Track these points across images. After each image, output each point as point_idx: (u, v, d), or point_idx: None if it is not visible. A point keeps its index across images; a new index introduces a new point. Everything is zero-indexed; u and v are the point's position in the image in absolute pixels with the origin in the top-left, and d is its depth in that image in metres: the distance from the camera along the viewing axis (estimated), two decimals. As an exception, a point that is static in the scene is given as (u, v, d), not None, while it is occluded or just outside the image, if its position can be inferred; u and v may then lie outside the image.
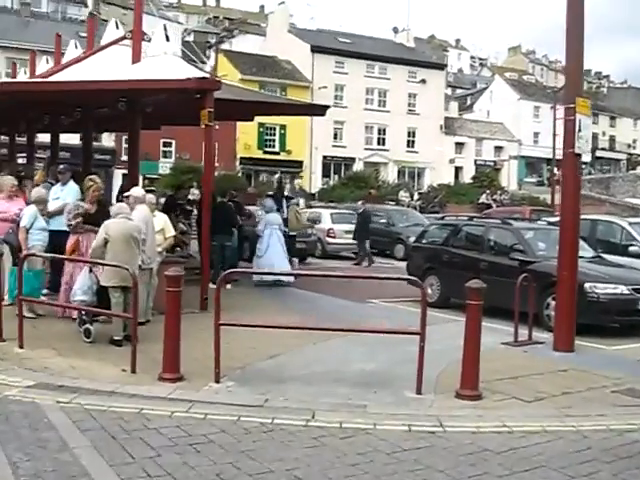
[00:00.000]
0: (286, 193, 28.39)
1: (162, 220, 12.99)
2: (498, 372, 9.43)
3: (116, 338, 10.31)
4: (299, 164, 65.02)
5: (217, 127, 14.54)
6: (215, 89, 13.65)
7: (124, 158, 57.55)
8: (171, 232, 13.08)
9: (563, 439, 7.18)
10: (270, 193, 23.48)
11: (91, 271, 10.70)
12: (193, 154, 56.23)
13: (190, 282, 13.63)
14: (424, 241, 17.31)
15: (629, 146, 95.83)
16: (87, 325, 10.60)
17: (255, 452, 6.42)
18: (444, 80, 78.35)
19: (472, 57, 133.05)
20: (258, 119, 60.93)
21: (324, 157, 67.04)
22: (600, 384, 9.29)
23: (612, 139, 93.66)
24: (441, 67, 77.35)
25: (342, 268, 23.74)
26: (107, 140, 56.54)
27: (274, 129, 63.89)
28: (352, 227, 27.44)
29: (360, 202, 29.64)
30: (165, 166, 55.18)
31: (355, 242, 26.79)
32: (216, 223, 16.10)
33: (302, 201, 44.96)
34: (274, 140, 64.68)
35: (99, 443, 6.47)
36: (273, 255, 18.13)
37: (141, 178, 52.98)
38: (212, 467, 6.06)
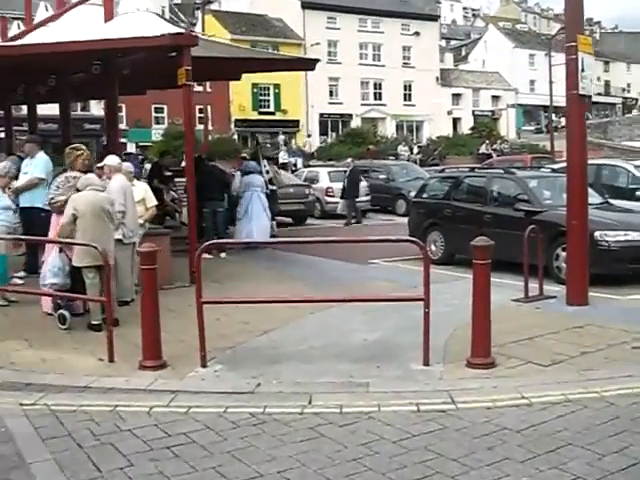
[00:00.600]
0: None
1: (142, 189, 12.13)
2: (511, 333, 8.66)
3: (94, 322, 9.44)
4: (295, 123, 63.85)
5: (197, 87, 13.56)
6: (192, 45, 12.72)
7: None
8: (152, 202, 12.20)
9: (587, 408, 6.41)
10: (244, 155, 22.23)
11: (61, 251, 9.85)
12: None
13: (182, 253, 13.00)
14: (425, 196, 16.35)
15: (623, 90, 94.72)
16: (62, 310, 9.76)
17: (242, 452, 5.61)
18: (438, 32, 76.75)
19: (464, 8, 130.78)
20: (251, 79, 60.32)
21: (321, 115, 65.83)
22: (620, 340, 8.52)
23: (607, 84, 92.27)
24: (434, 18, 75.72)
25: (336, 229, 23.02)
26: (96, 108, 55.33)
27: (268, 89, 62.79)
28: (351, 185, 26.66)
29: (349, 159, 28.69)
30: (158, 132, 54.13)
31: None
32: (205, 189, 15.34)
33: (300, 161, 44.14)
34: (269, 100, 63.64)
35: (62, 455, 5.61)
36: (253, 217, 17.67)
37: (134, 146, 53.08)
38: (191, 475, 5.25)
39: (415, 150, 52.68)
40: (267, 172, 19.58)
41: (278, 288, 11.99)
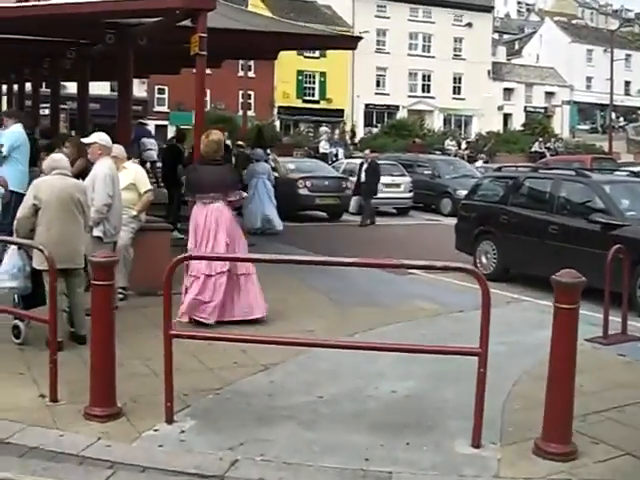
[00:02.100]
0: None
1: (132, 172, 9.98)
2: (592, 396, 6.30)
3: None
4: (340, 113, 61.59)
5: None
6: (208, 9, 10.56)
7: (157, 109, 55.53)
8: (146, 186, 10.04)
9: None
10: (240, 143, 21.15)
11: (20, 248, 7.77)
12: (230, 104, 53.76)
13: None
14: (477, 198, 13.81)
15: None
16: (16, 321, 7.72)
17: None
18: (491, 23, 73.64)
19: (519, 2, 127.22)
20: (296, 66, 58.81)
21: (366, 105, 63.54)
22: None
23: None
24: (488, 9, 72.54)
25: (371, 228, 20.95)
26: (138, 89, 53.75)
27: (313, 76, 60.95)
28: (392, 179, 24.41)
29: (367, 150, 26.05)
30: (200, 116, 52.15)
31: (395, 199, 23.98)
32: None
33: (341, 151, 41.83)
34: (314, 88, 61.64)
35: None
36: (259, 203, 17.95)
37: (174, 129, 51.24)
38: None
39: (463, 145, 50.12)
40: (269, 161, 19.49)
41: (293, 303, 9.88)
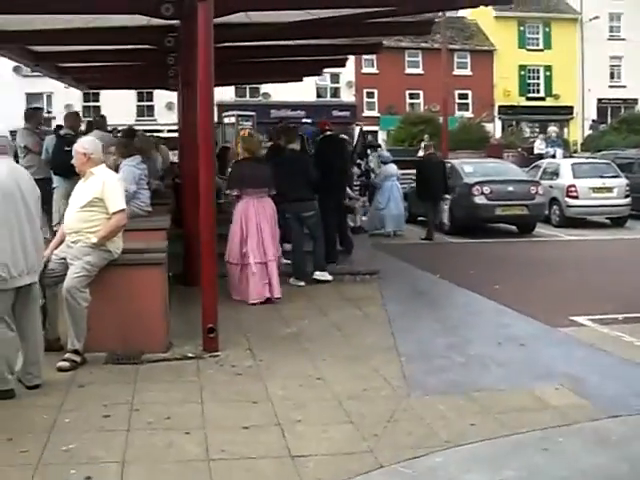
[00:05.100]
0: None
1: (98, 182, 6.75)
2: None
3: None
4: (569, 110, 55.73)
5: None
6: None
7: (366, 113, 52.59)
8: (116, 204, 6.77)
9: None
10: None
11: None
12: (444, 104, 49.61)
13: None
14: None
15: None
16: None
17: None
18: None
19: None
20: (518, 61, 53.91)
21: (599, 100, 56.83)
22: None
23: None
24: None
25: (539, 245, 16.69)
26: (346, 94, 51.37)
27: (537, 71, 55.60)
28: (602, 182, 19.77)
29: (425, 138, 23.91)
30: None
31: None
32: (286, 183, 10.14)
33: (560, 152, 36.75)
34: (538, 84, 56.12)
35: None
36: (394, 207, 17.57)
37: (385, 133, 48.29)
38: None
39: None
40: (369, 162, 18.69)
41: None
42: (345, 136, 17.24)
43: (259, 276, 9.40)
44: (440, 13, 21.04)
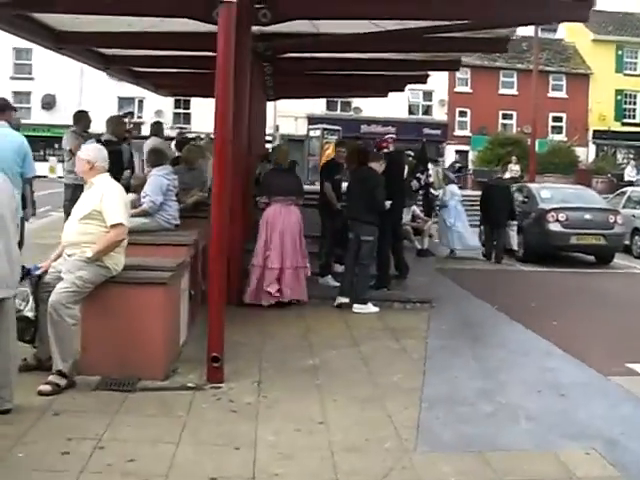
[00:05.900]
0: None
1: (97, 193, 6.26)
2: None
3: None
4: (668, 136, 53.50)
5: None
6: None
7: (457, 133, 51.53)
8: (115, 217, 6.20)
9: None
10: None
11: None
12: (537, 127, 48.05)
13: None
14: None
15: None
16: None
17: None
18: None
19: None
20: (614, 85, 51.91)
21: None
22: None
23: None
24: None
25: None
26: (438, 112, 50.49)
27: (634, 96, 53.51)
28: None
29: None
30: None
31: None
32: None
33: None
34: (634, 109, 54.06)
35: None
36: (462, 227, 17.23)
37: (475, 154, 47.21)
38: None
39: None
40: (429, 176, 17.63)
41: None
42: (410, 152, 16.80)
43: (270, 280, 9.78)
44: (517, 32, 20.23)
